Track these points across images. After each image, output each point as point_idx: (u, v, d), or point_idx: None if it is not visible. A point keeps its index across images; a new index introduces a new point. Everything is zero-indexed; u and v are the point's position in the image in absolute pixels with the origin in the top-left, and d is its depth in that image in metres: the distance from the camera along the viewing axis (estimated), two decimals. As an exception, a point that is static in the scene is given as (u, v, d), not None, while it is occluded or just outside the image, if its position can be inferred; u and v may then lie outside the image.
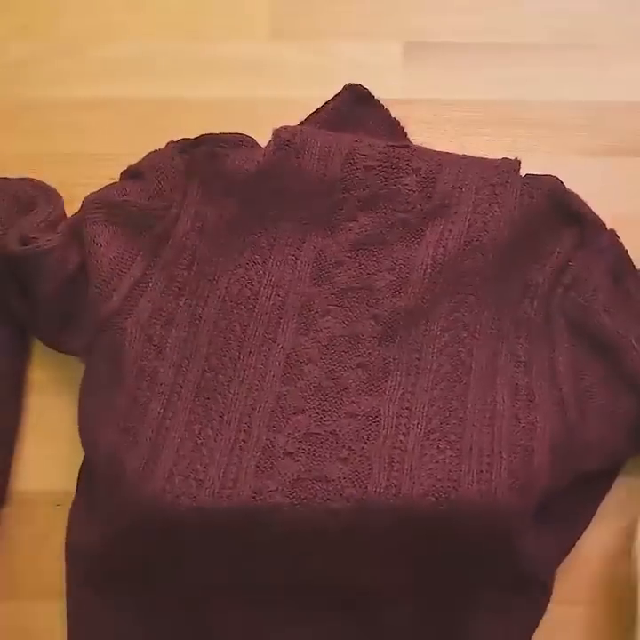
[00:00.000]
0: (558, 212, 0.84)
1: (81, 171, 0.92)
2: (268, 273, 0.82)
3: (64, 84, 0.95)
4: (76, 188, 0.90)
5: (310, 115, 0.92)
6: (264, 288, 0.82)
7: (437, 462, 0.74)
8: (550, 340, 0.82)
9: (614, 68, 0.95)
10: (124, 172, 0.88)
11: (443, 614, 0.78)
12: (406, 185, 0.84)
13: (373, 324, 0.81)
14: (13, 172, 0.91)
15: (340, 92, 0.92)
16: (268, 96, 0.94)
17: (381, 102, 0.92)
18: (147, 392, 0.78)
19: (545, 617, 0.78)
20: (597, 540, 0.82)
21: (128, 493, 0.74)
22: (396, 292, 0.81)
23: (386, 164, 0.84)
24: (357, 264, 0.83)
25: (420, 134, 0.92)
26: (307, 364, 0.79)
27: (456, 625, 0.78)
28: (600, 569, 0.82)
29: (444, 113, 0.93)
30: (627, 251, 0.85)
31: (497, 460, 0.75)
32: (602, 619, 0.81)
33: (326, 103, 0.92)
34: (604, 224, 0.85)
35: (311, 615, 0.78)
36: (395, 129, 0.92)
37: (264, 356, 0.79)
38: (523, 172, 0.85)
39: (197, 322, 0.81)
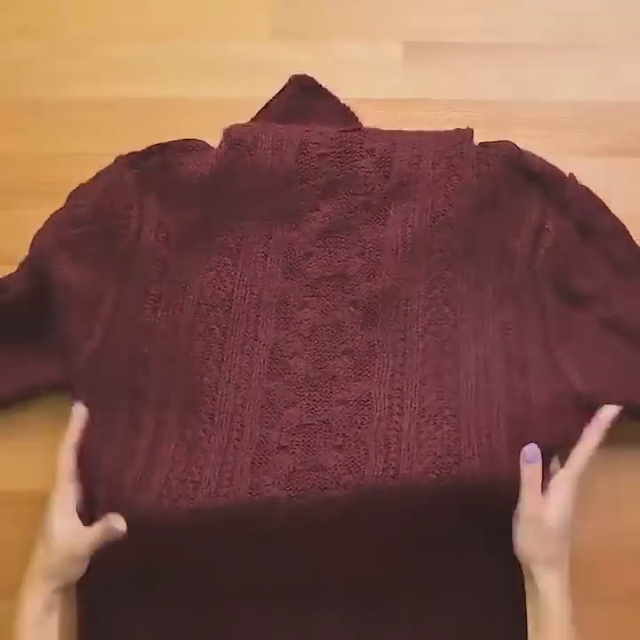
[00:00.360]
0: (518, 175, 0.85)
1: (81, 171, 0.91)
2: (239, 273, 0.82)
3: (65, 84, 0.95)
4: (76, 188, 0.91)
5: (260, 110, 0.91)
6: (237, 288, 0.82)
7: (435, 439, 0.74)
8: (539, 306, 0.82)
9: (614, 68, 0.95)
10: (73, 193, 0.87)
11: (442, 602, 0.78)
12: (362, 167, 0.84)
13: (352, 310, 0.81)
14: (13, 172, 0.92)
15: (286, 85, 0.92)
16: (268, 96, 0.93)
17: (329, 92, 0.92)
18: (139, 410, 0.78)
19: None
20: (615, 538, 0.83)
21: (126, 503, 0.74)
22: (370, 275, 0.82)
23: (339, 149, 0.84)
24: (327, 253, 0.83)
25: (421, 134, 0.92)
26: (291, 358, 0.80)
27: (456, 612, 0.79)
28: (619, 567, 0.83)
29: (445, 113, 0.93)
30: (590, 191, 0.85)
31: (495, 430, 0.75)
32: (621, 617, 0.82)
33: (274, 97, 0.92)
34: (564, 174, 0.85)
35: (312, 613, 0.79)
36: (346, 115, 0.92)
37: (247, 354, 0.80)
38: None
39: (176, 329, 0.81)
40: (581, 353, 0.80)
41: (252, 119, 0.91)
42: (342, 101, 0.93)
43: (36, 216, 0.89)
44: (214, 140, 0.91)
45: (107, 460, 0.77)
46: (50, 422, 0.84)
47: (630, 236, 0.85)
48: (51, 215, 0.86)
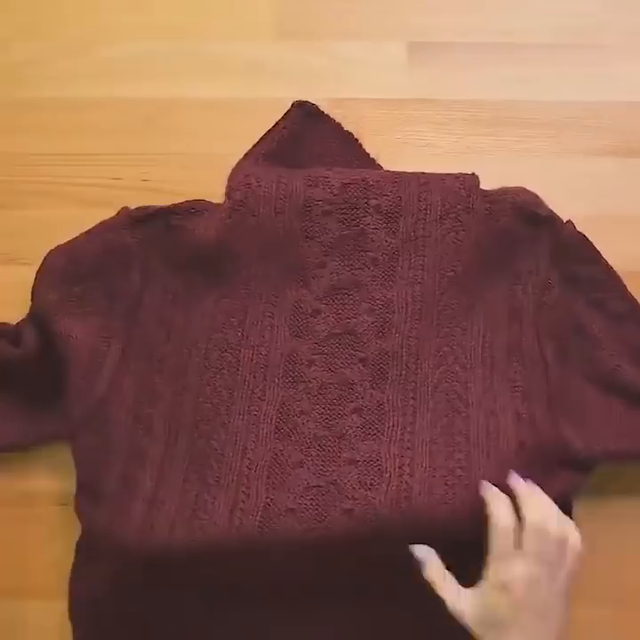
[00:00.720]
0: (526, 223, 0.84)
1: (81, 171, 0.91)
2: (245, 334, 0.81)
3: (65, 85, 0.94)
4: (76, 188, 0.91)
5: (264, 135, 0.91)
6: (244, 349, 0.81)
7: (447, 503, 0.74)
8: (542, 363, 0.81)
9: (617, 67, 0.95)
10: (72, 246, 0.85)
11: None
12: (369, 225, 0.83)
13: (362, 368, 0.80)
14: (13, 172, 0.91)
15: (289, 110, 0.92)
16: (269, 96, 0.93)
17: (332, 117, 0.92)
18: (137, 470, 0.77)
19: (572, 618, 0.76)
20: (616, 538, 0.83)
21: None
22: (379, 333, 0.81)
23: (344, 206, 0.84)
24: (335, 310, 0.82)
25: (425, 135, 0.92)
26: (299, 417, 0.79)
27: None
28: (619, 567, 0.82)
29: (448, 113, 0.93)
30: (585, 238, 0.85)
31: (507, 489, 0.74)
32: (621, 618, 0.82)
33: (278, 122, 0.91)
34: (562, 220, 0.85)
35: (312, 613, 0.78)
36: (348, 140, 0.92)
37: (254, 414, 0.79)
38: (528, 174, 0.86)
39: (181, 392, 0.80)
40: (575, 412, 0.80)
41: (255, 144, 0.90)
42: (343, 101, 0.92)
43: (35, 216, 0.89)
44: (213, 142, 0.92)
45: (101, 517, 0.77)
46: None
47: (624, 286, 0.84)
48: (46, 265, 0.84)
